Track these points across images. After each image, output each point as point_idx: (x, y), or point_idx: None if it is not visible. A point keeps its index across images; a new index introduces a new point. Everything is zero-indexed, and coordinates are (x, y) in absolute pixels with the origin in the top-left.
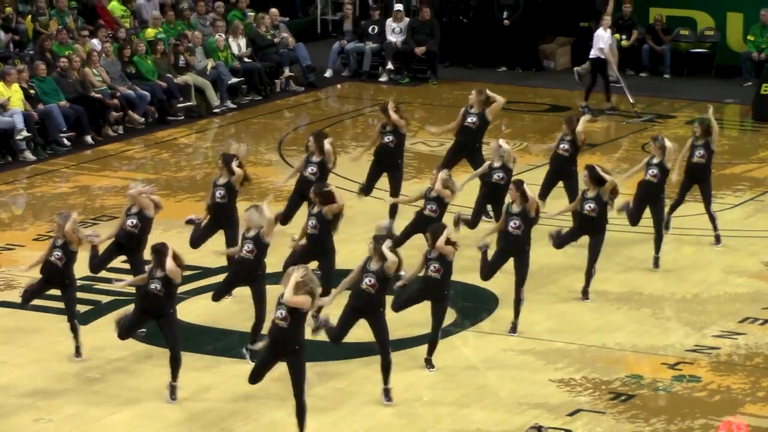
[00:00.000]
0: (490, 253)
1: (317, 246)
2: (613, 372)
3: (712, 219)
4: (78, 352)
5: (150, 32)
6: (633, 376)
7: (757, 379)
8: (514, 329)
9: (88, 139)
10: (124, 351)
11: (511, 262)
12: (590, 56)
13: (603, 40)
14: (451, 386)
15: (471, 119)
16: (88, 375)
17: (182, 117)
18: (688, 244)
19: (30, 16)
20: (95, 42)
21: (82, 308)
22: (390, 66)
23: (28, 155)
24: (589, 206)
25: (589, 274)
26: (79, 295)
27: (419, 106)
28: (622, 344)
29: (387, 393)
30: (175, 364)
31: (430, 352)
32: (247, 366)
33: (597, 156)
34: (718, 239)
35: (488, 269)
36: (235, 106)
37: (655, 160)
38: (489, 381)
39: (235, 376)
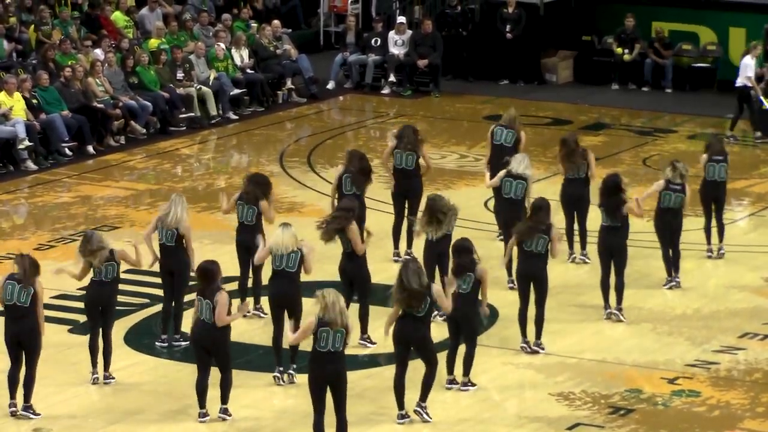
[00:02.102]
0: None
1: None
2: (612, 386)
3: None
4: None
5: (153, 42)
6: (632, 391)
7: (757, 394)
8: (537, 347)
9: (90, 149)
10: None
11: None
12: (736, 85)
13: (749, 68)
14: (451, 400)
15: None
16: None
17: (184, 127)
18: (689, 259)
19: (33, 26)
20: (98, 52)
21: (82, 318)
22: (392, 78)
23: (30, 165)
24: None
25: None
26: (79, 305)
27: (421, 119)
28: (621, 359)
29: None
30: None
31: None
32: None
33: (599, 169)
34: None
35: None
36: (237, 117)
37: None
38: (489, 395)
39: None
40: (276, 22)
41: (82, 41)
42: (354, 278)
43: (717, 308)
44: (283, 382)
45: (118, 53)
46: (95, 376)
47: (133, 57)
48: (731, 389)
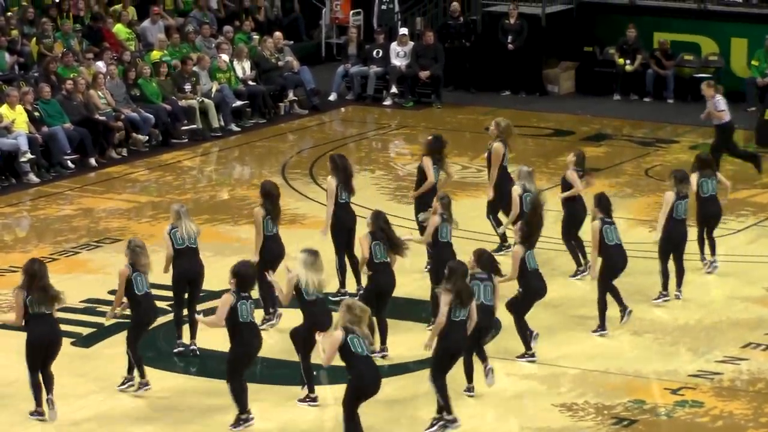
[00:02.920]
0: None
1: None
2: (615, 397)
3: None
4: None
5: (155, 55)
6: (635, 401)
7: (760, 404)
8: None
9: (92, 161)
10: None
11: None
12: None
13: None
14: (453, 411)
15: None
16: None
17: (186, 140)
18: (691, 269)
19: (35, 38)
20: (100, 64)
21: (84, 330)
22: (394, 90)
23: (32, 177)
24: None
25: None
26: (82, 317)
27: (423, 130)
28: (624, 369)
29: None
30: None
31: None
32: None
33: (600, 180)
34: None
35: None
36: (239, 129)
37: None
38: (491, 405)
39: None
40: (278, 34)
41: (84, 54)
42: (388, 290)
43: (719, 318)
44: None
45: (120, 66)
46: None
47: (135, 69)
48: (735, 399)
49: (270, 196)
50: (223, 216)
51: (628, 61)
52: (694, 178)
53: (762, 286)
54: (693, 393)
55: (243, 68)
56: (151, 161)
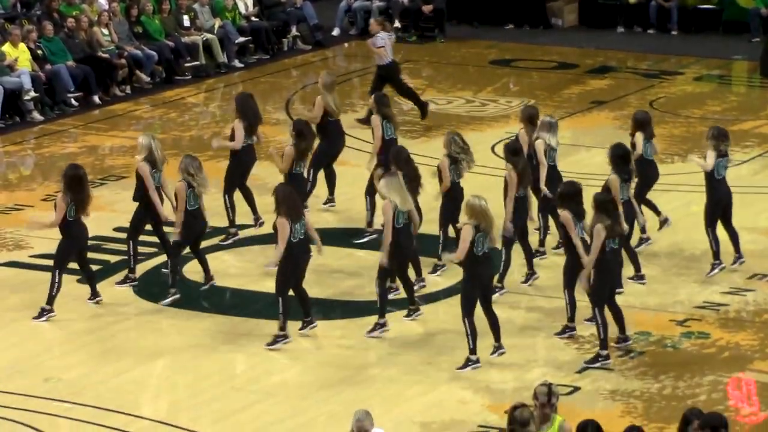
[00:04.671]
0: None
1: None
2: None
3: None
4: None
5: None
6: (641, 333)
7: (766, 335)
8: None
9: (96, 99)
10: (133, 308)
11: None
12: None
13: None
14: (460, 345)
15: None
16: (100, 333)
17: (189, 77)
18: (697, 202)
19: None
20: (102, 2)
21: (91, 267)
22: (397, 24)
23: (36, 116)
24: None
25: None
26: (89, 254)
27: (427, 65)
28: (630, 301)
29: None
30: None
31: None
32: None
33: (605, 113)
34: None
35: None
36: (242, 65)
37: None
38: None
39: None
40: None
41: None
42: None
43: (725, 250)
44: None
45: (122, 3)
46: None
47: (137, 6)
48: (741, 331)
49: (303, 135)
50: (226, 152)
51: None
52: (639, 138)
53: None
54: (699, 324)
55: (246, 4)
56: (155, 98)
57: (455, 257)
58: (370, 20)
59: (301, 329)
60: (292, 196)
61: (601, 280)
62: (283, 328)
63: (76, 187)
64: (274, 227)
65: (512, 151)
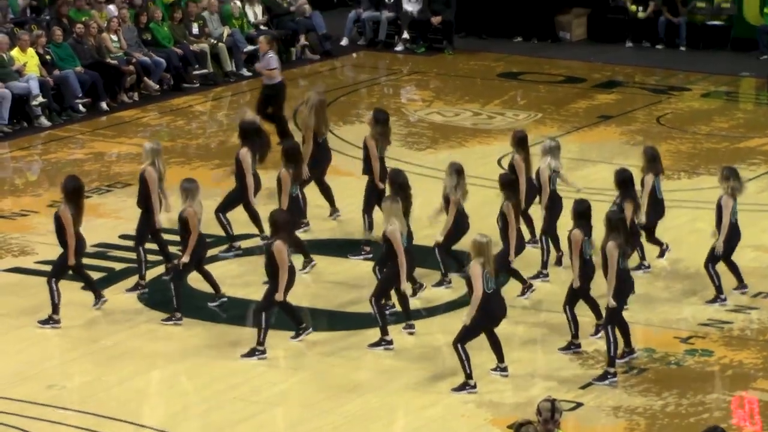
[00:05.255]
0: None
1: None
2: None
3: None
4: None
5: None
6: (645, 350)
7: None
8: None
9: (104, 105)
10: (137, 316)
11: None
12: None
13: None
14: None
15: None
16: (103, 342)
17: (197, 84)
18: (702, 219)
19: None
20: (112, 8)
21: (95, 275)
22: (406, 35)
23: (44, 121)
24: None
25: None
26: (93, 262)
27: (434, 76)
28: (634, 318)
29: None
30: None
31: None
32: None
33: (612, 128)
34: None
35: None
36: (250, 73)
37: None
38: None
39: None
40: None
41: None
42: None
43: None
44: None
45: (132, 9)
46: None
47: (146, 13)
48: (744, 349)
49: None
50: (233, 161)
51: (640, 8)
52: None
53: None
54: (703, 342)
55: (255, 13)
56: (163, 105)
57: (474, 297)
58: (259, 39)
59: (293, 338)
60: (289, 223)
61: (614, 299)
62: (262, 343)
63: (78, 200)
64: (269, 251)
65: (507, 183)
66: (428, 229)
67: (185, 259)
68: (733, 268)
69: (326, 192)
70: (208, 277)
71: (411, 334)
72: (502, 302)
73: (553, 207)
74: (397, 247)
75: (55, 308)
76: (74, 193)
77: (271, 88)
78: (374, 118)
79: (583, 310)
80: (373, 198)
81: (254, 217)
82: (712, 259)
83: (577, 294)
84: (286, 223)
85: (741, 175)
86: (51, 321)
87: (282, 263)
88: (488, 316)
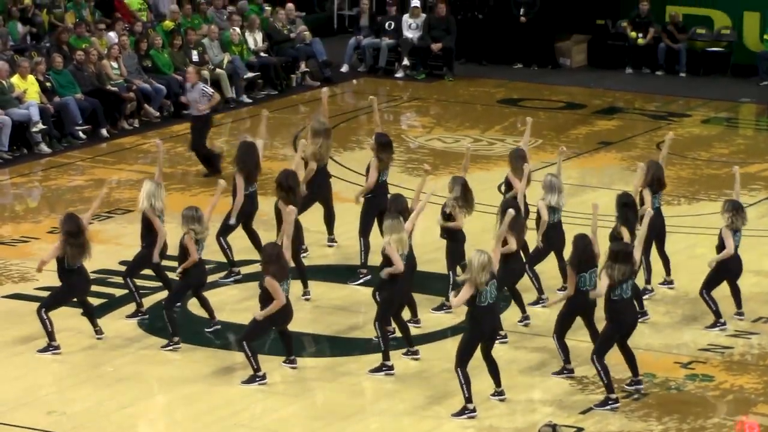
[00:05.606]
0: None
1: None
2: (625, 370)
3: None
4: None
5: (167, 25)
6: (646, 375)
7: None
8: None
9: (104, 132)
10: (137, 341)
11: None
12: None
13: None
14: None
15: None
16: (103, 368)
17: None
18: (702, 244)
19: (46, 9)
20: (112, 35)
21: (95, 301)
22: (406, 62)
23: (44, 148)
24: None
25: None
26: (93, 288)
27: (435, 103)
28: (635, 343)
29: None
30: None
31: None
32: None
33: (612, 154)
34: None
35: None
36: (250, 100)
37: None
38: (502, 379)
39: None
40: (290, 5)
41: (96, 24)
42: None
43: (730, 293)
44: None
45: (132, 36)
46: None
47: (146, 40)
48: (745, 374)
49: (292, 190)
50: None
51: (640, 35)
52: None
53: None
54: (703, 367)
55: (255, 40)
56: (163, 132)
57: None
58: (188, 69)
59: (284, 362)
60: (279, 256)
61: (610, 329)
62: (258, 368)
63: (78, 238)
64: (262, 286)
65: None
66: (432, 254)
67: (180, 281)
68: (735, 294)
69: (329, 218)
70: (204, 303)
71: (416, 360)
72: (494, 318)
73: (553, 242)
74: (396, 261)
75: (51, 336)
76: (71, 232)
77: (200, 119)
78: (377, 143)
79: (583, 336)
80: (369, 221)
81: (253, 238)
82: (706, 285)
83: (567, 324)
84: (277, 257)
85: (743, 207)
86: (51, 348)
87: (276, 297)
88: (479, 331)
